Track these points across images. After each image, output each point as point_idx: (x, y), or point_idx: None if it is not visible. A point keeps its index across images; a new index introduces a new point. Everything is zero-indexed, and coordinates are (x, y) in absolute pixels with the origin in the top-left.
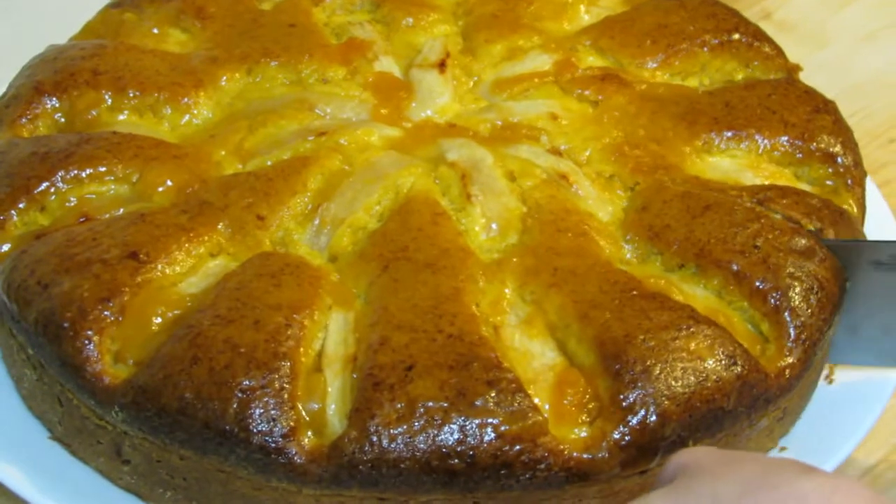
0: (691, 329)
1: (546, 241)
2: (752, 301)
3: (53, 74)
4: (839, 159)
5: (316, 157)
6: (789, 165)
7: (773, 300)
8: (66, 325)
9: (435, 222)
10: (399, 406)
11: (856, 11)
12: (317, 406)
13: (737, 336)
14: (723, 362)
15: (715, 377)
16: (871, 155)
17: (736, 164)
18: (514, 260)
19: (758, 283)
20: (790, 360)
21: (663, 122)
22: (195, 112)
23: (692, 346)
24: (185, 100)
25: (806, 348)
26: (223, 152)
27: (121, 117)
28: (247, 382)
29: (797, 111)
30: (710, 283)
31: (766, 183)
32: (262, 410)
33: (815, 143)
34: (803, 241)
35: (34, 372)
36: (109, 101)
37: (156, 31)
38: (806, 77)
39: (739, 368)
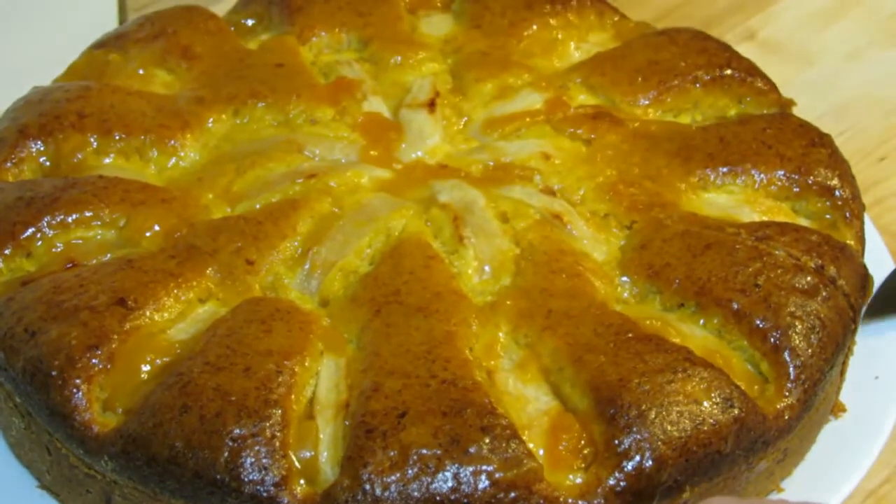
0: (687, 372)
1: (540, 283)
2: (752, 340)
3: (38, 117)
4: (837, 192)
5: (305, 199)
6: (786, 200)
7: (773, 339)
8: (54, 373)
9: (427, 265)
10: (392, 454)
11: (840, 30)
12: (309, 454)
13: (735, 376)
14: (719, 405)
15: (711, 420)
16: (863, 173)
17: (733, 199)
18: (508, 303)
19: (758, 322)
20: (789, 400)
21: (657, 159)
22: (182, 154)
23: (688, 388)
24: (172, 142)
25: (806, 389)
26: (211, 195)
27: (107, 160)
28: (238, 431)
29: (793, 145)
30: (709, 322)
31: (765, 219)
32: (253, 459)
33: (811, 177)
34: (806, 280)
35: (22, 420)
36: (95, 144)
37: (141, 71)
38: (792, 96)
39: (736, 411)
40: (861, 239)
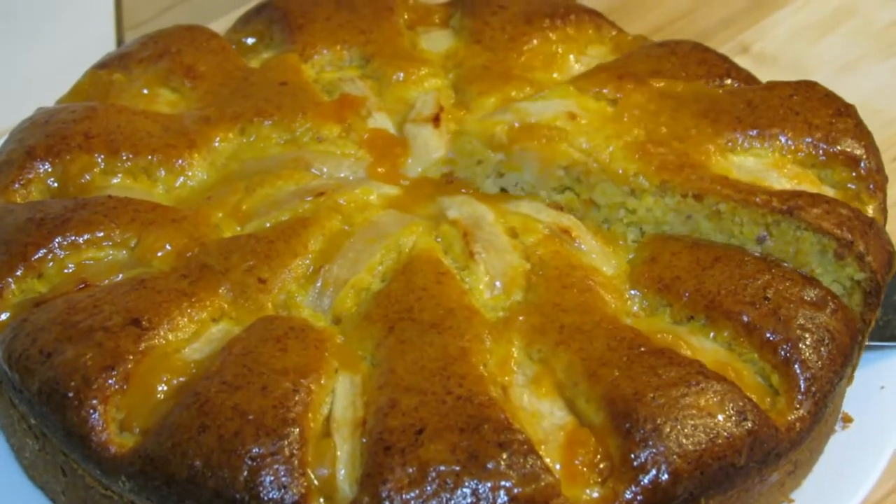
0: (700, 385)
1: (551, 298)
2: (763, 353)
3: (45, 139)
4: (862, 163)
5: (316, 217)
6: (812, 167)
7: (783, 352)
8: (70, 394)
9: (439, 281)
10: (411, 470)
11: (833, 42)
12: (327, 472)
13: (746, 389)
14: (733, 418)
15: (726, 433)
16: None
17: (761, 163)
18: (521, 318)
19: (768, 335)
20: (801, 412)
21: (685, 119)
22: (189, 174)
23: (702, 402)
24: (180, 161)
25: (816, 401)
26: (221, 214)
27: (114, 180)
28: (256, 450)
29: (819, 113)
30: (720, 335)
31: (793, 183)
32: (272, 477)
33: (838, 146)
34: (815, 292)
35: (36, 442)
36: (102, 164)
37: (145, 91)
38: None
39: (750, 424)
40: (884, 211)
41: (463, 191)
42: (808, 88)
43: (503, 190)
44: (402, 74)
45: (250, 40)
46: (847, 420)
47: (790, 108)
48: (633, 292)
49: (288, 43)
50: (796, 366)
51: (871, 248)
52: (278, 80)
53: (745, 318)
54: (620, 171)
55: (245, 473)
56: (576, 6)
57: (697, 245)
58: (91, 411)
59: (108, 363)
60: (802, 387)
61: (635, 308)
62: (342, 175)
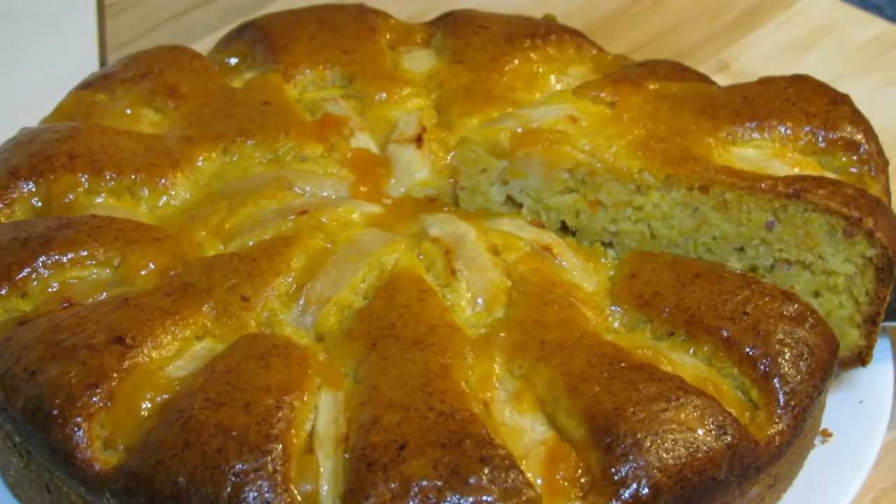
0: (680, 400)
1: (532, 315)
2: (742, 367)
3: (29, 158)
4: (862, 147)
5: (298, 236)
6: (813, 155)
7: (762, 367)
8: (54, 412)
9: (421, 299)
10: (393, 486)
11: (812, 61)
12: (310, 487)
13: (726, 404)
14: (713, 433)
15: (706, 448)
16: None
17: (762, 153)
18: (502, 334)
19: (748, 350)
20: (780, 426)
21: (684, 117)
22: (173, 193)
23: (682, 416)
24: (163, 181)
25: (796, 415)
26: (204, 233)
27: (98, 200)
28: (240, 466)
29: (815, 102)
30: (699, 350)
31: (796, 171)
32: (256, 493)
33: (837, 132)
34: (794, 307)
35: (21, 459)
36: (86, 184)
37: (129, 111)
38: None
39: (730, 438)
40: (887, 192)
41: (445, 209)
42: (802, 81)
43: (509, 198)
44: (384, 94)
45: (233, 60)
46: (826, 435)
47: (786, 100)
48: (613, 308)
49: (270, 63)
50: (775, 380)
51: (879, 225)
52: (261, 99)
53: (725, 334)
54: (625, 169)
55: (229, 490)
56: (557, 26)
57: (677, 261)
58: (75, 429)
59: (93, 381)
60: (782, 401)
61: (616, 324)
62: (325, 194)
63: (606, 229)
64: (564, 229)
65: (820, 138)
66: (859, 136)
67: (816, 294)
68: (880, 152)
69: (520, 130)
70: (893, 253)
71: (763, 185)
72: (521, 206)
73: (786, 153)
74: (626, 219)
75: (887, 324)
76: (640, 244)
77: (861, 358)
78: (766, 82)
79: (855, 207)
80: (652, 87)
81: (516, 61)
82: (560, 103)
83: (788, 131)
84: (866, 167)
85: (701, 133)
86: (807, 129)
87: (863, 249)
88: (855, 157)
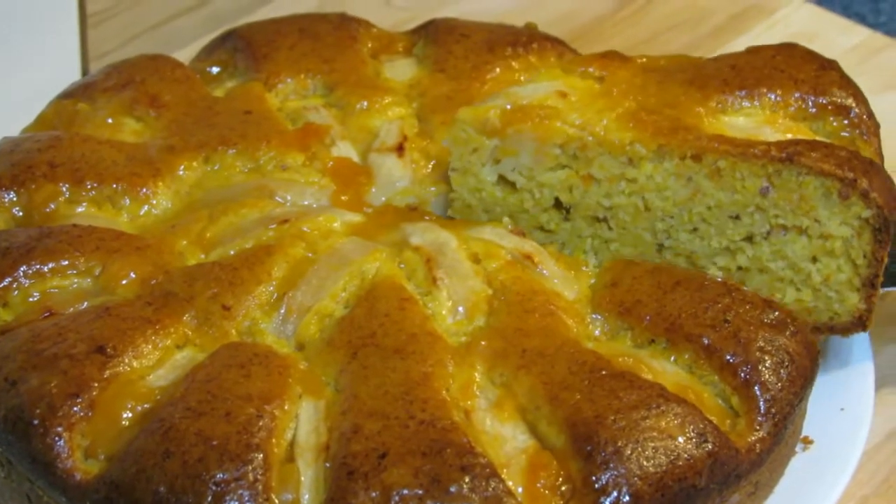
0: (661, 407)
1: (513, 323)
2: (723, 375)
3: (10, 168)
4: (852, 111)
5: (279, 245)
6: (804, 120)
7: (743, 374)
8: (35, 421)
9: (402, 307)
10: (374, 494)
11: None
12: (291, 496)
13: (707, 411)
14: (693, 440)
15: (686, 455)
16: None
17: (752, 121)
18: (483, 343)
19: (728, 357)
20: (760, 434)
21: (673, 88)
22: (154, 202)
23: (662, 424)
24: (144, 190)
25: (776, 422)
26: (185, 242)
27: (79, 209)
28: (221, 475)
29: (804, 69)
30: (680, 358)
31: (788, 137)
32: (236, 503)
33: (826, 97)
34: (774, 315)
35: (2, 469)
36: (67, 193)
37: (110, 120)
38: None
39: (710, 445)
40: (880, 155)
41: (426, 218)
42: (790, 48)
43: (501, 178)
44: (365, 103)
45: (215, 69)
46: (807, 442)
47: (775, 67)
48: (594, 316)
49: (252, 72)
50: (756, 387)
51: (874, 185)
52: (242, 108)
53: (706, 341)
54: (616, 142)
55: (209, 499)
56: (538, 34)
57: (658, 269)
58: (56, 438)
59: (73, 390)
60: (762, 408)
61: (597, 332)
62: (306, 203)
63: (600, 204)
64: (558, 206)
65: (810, 104)
66: (849, 101)
67: (814, 259)
68: (871, 115)
69: (509, 107)
70: (889, 213)
71: (756, 151)
72: (513, 185)
73: (776, 120)
74: (620, 192)
75: (886, 289)
76: (634, 218)
77: (862, 322)
78: (754, 51)
79: (849, 169)
80: (640, 60)
81: (498, 70)
82: (549, 80)
83: (778, 98)
84: (857, 130)
85: (691, 103)
86: (796, 95)
87: (858, 211)
88: (846, 121)
